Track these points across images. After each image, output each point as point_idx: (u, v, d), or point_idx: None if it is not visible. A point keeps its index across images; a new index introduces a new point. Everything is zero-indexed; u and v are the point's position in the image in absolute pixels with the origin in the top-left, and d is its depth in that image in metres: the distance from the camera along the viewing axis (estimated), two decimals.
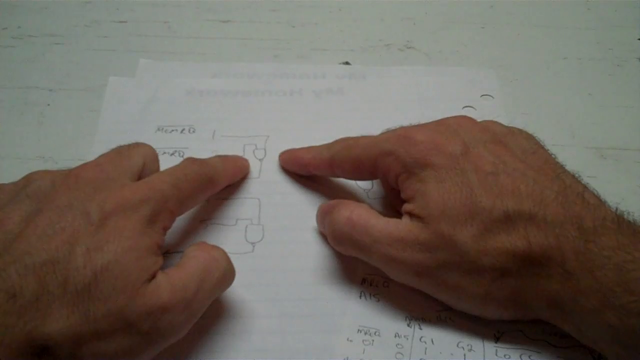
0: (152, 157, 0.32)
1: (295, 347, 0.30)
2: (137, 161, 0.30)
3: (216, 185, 0.33)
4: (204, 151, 0.39)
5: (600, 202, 0.28)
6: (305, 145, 0.38)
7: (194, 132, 0.40)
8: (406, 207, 0.30)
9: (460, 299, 0.30)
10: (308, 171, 0.36)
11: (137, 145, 0.32)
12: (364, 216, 0.30)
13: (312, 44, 0.49)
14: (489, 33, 0.51)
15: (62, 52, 0.47)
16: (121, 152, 0.31)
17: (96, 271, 0.24)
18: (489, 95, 0.44)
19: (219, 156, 0.36)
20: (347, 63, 0.47)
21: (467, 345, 0.30)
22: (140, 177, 0.30)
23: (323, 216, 0.33)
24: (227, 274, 0.29)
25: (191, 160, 0.32)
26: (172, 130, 0.40)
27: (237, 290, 0.32)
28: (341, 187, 0.37)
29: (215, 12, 0.51)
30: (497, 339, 0.30)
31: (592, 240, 0.26)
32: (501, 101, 0.44)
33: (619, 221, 0.27)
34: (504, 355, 0.30)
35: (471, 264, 0.28)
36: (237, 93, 0.43)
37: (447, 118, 0.33)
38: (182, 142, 0.40)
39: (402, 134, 0.31)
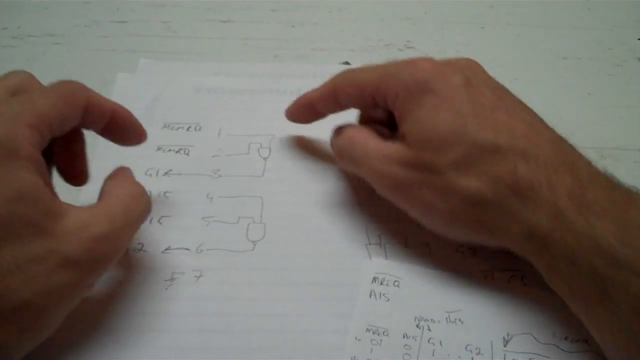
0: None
1: (296, 347, 0.30)
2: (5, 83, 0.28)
3: (90, 104, 0.30)
4: (209, 149, 0.39)
5: (590, 160, 0.29)
6: (309, 145, 0.38)
7: (200, 130, 0.40)
8: (399, 128, 0.31)
9: (427, 214, 0.31)
10: (315, 111, 0.36)
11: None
12: (364, 135, 0.33)
13: (312, 44, 0.49)
14: (489, 33, 0.51)
15: (62, 52, 0.47)
16: None
17: (2, 215, 0.23)
18: None
19: None
20: (347, 63, 0.47)
21: (476, 348, 0.30)
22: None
23: (335, 136, 0.35)
24: (145, 207, 0.30)
25: (61, 81, 0.30)
26: (179, 128, 0.40)
27: (238, 289, 0.32)
28: (346, 187, 0.37)
29: (215, 12, 0.51)
30: (506, 342, 0.30)
31: (586, 187, 0.27)
32: None
33: (613, 178, 0.28)
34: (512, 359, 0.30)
35: (446, 182, 0.29)
36: (244, 92, 0.43)
37: (457, 58, 0.33)
38: (188, 139, 0.40)
39: (408, 60, 0.32)
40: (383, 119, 0.35)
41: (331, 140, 0.35)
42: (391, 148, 0.31)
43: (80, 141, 0.32)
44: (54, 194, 0.27)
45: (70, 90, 0.29)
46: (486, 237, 0.30)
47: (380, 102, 0.33)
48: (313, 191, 0.37)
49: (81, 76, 0.44)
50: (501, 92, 0.32)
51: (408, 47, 0.49)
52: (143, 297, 0.31)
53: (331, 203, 0.36)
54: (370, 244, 0.34)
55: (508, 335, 0.30)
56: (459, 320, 0.31)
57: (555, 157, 0.28)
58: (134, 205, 0.29)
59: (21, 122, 0.25)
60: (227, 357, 0.30)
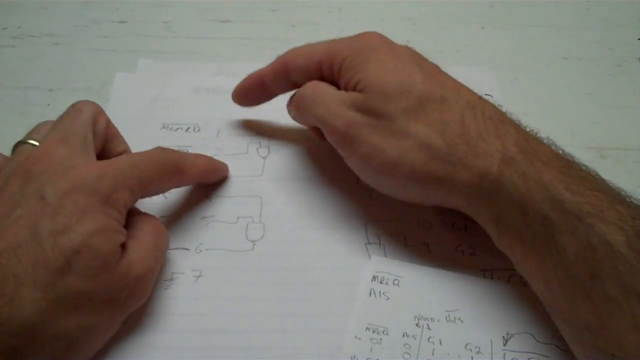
0: (96, 112, 0.31)
1: (296, 346, 0.30)
2: (85, 129, 0.30)
3: (183, 174, 0.33)
4: (208, 149, 0.39)
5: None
6: (310, 146, 0.38)
7: (199, 130, 0.41)
8: (349, 82, 0.32)
9: (372, 159, 0.31)
10: (265, 89, 0.37)
11: (78, 109, 0.31)
12: (326, 86, 0.34)
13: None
14: (489, 33, 0.51)
15: (62, 52, 0.47)
16: (64, 127, 0.30)
17: (67, 255, 0.25)
18: (489, 95, 0.44)
19: (196, 154, 0.36)
20: None
21: (475, 347, 0.30)
22: (95, 134, 0.31)
23: (298, 90, 0.35)
24: (167, 243, 0.32)
25: (160, 148, 0.32)
26: (177, 129, 0.40)
27: (237, 288, 0.32)
28: (346, 186, 0.37)
29: (215, 12, 0.51)
30: (505, 341, 0.30)
31: (531, 140, 0.29)
32: (501, 101, 0.43)
33: (552, 142, 0.30)
34: (512, 359, 0.29)
35: (397, 128, 0.30)
36: None
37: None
38: (187, 140, 0.40)
39: (355, 35, 0.34)
40: None
41: (291, 98, 0.36)
42: (347, 95, 0.32)
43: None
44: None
45: (172, 161, 0.32)
46: (433, 187, 0.30)
47: (326, 72, 0.34)
48: (312, 191, 0.37)
49: (81, 76, 0.45)
50: (438, 68, 0.33)
51: None
52: None
53: (330, 202, 0.36)
54: (369, 243, 0.34)
55: (507, 334, 0.30)
56: (459, 319, 0.31)
57: (499, 114, 0.30)
58: (160, 242, 0.31)
59: (125, 182, 0.28)
60: (227, 357, 0.30)
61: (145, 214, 0.32)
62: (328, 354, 0.30)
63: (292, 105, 0.36)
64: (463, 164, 0.29)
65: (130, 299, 0.28)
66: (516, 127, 0.30)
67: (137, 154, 0.31)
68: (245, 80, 0.38)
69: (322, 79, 0.34)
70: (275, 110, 0.42)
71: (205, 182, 0.36)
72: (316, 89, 0.34)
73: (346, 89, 0.33)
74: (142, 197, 0.30)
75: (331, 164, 0.38)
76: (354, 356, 0.29)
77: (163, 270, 0.33)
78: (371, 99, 0.30)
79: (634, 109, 0.44)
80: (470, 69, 0.46)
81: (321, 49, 0.34)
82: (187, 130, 0.40)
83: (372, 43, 0.33)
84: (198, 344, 0.30)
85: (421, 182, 0.30)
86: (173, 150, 0.32)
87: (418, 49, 0.49)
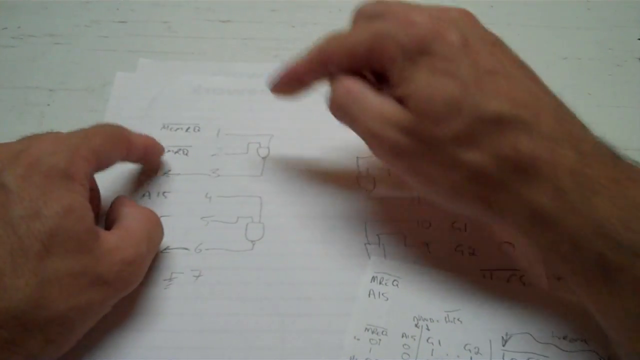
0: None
1: (296, 346, 0.30)
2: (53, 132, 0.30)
3: (130, 146, 0.33)
4: (208, 149, 0.39)
5: (590, 128, 0.28)
6: (310, 146, 0.38)
7: (199, 130, 0.40)
8: (396, 91, 0.29)
9: (429, 187, 0.30)
10: (301, 81, 0.33)
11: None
12: (361, 88, 0.30)
13: (312, 44, 0.49)
14: None
15: (62, 52, 0.47)
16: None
17: (42, 239, 0.25)
18: None
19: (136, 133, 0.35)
20: None
21: (474, 347, 0.30)
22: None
23: (330, 86, 0.32)
24: (162, 234, 0.32)
25: (105, 123, 0.32)
26: (177, 129, 0.40)
27: (236, 288, 0.32)
28: (345, 186, 0.37)
29: (215, 12, 0.51)
30: (504, 342, 0.30)
31: (589, 164, 0.26)
32: None
33: (615, 150, 0.27)
34: (511, 359, 0.29)
35: (447, 157, 0.28)
36: (242, 92, 0.43)
37: (448, 8, 0.31)
38: (187, 140, 0.40)
39: (401, 17, 0.29)
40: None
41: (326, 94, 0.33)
42: (390, 109, 0.29)
43: (96, 190, 0.34)
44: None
45: (118, 132, 0.32)
46: (489, 213, 0.29)
47: (374, 65, 0.31)
48: (312, 191, 0.37)
49: (81, 76, 0.45)
50: (498, 49, 0.30)
51: None
52: (142, 297, 0.31)
53: (330, 202, 0.36)
54: (369, 243, 0.34)
55: (507, 334, 0.30)
56: (458, 319, 0.31)
57: (558, 129, 0.27)
58: (153, 231, 0.31)
59: (78, 153, 0.28)
60: (227, 357, 0.30)
61: (140, 206, 0.32)
62: (328, 354, 0.30)
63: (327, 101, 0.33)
64: (516, 196, 0.27)
65: (120, 282, 0.28)
66: (575, 144, 0.27)
67: (84, 128, 0.31)
68: (281, 76, 0.34)
69: (366, 69, 0.32)
70: (276, 111, 0.42)
71: (148, 160, 0.37)
72: (351, 93, 0.30)
73: (391, 91, 0.30)
74: (96, 170, 0.31)
75: (331, 164, 0.38)
76: (353, 356, 0.29)
77: (162, 269, 0.33)
78: (418, 122, 0.28)
79: (633, 109, 0.44)
80: None
81: (364, 43, 0.30)
82: (187, 130, 0.40)
83: (420, 36, 0.28)
84: (198, 344, 0.30)
85: (476, 208, 0.29)
86: (118, 125, 0.33)
87: None
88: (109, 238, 0.28)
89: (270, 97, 0.43)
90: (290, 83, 0.34)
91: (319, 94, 0.44)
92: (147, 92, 0.43)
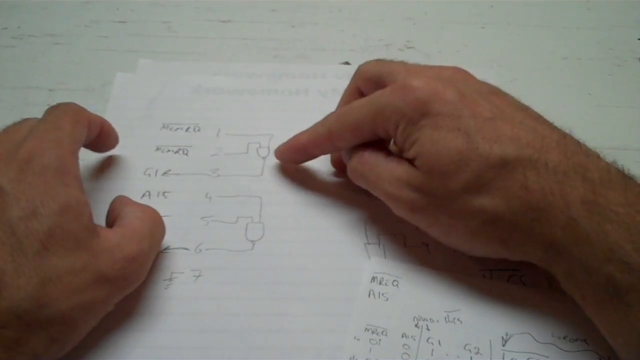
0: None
1: (295, 346, 0.30)
2: (25, 124, 0.30)
3: (90, 121, 0.32)
4: (208, 149, 0.39)
5: (598, 154, 0.29)
6: None
7: (199, 130, 0.40)
8: (406, 154, 0.31)
9: (449, 236, 0.31)
10: (308, 154, 0.36)
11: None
12: (374, 155, 0.33)
13: (312, 44, 0.49)
14: (489, 33, 0.51)
15: (62, 52, 0.47)
16: (5, 127, 0.31)
17: (41, 239, 0.25)
18: None
19: None
20: (347, 63, 0.47)
21: (475, 347, 0.30)
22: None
23: (348, 156, 0.34)
24: (164, 232, 0.32)
25: (52, 106, 0.32)
26: (177, 129, 0.40)
27: (236, 288, 0.32)
28: (345, 186, 0.37)
29: (215, 12, 0.51)
30: (504, 342, 0.30)
31: (599, 192, 0.26)
32: None
33: (623, 175, 0.28)
34: (511, 359, 0.29)
35: (461, 206, 0.29)
36: (243, 92, 0.44)
37: (441, 67, 0.33)
38: (187, 140, 0.40)
39: (398, 84, 0.31)
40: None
41: (345, 156, 0.35)
42: (401, 170, 0.31)
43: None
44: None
45: (79, 111, 0.32)
46: (507, 253, 0.30)
47: (382, 134, 0.32)
48: (312, 191, 0.37)
49: (81, 76, 0.45)
50: (495, 97, 0.31)
51: (408, 47, 0.49)
52: (142, 297, 0.31)
53: (330, 202, 0.36)
54: (369, 243, 0.34)
55: (507, 334, 0.30)
56: (458, 319, 0.31)
57: (564, 161, 0.27)
58: (155, 229, 0.31)
59: (64, 147, 0.28)
60: (227, 357, 0.30)
61: (141, 204, 0.32)
62: (328, 354, 0.30)
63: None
64: (530, 233, 0.28)
65: (122, 280, 0.28)
66: (584, 174, 0.27)
67: (47, 117, 0.30)
68: (287, 146, 0.36)
69: (376, 137, 0.33)
70: (276, 110, 0.42)
71: (104, 140, 0.35)
72: (365, 161, 0.33)
73: (401, 152, 0.31)
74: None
75: (331, 164, 0.38)
76: (353, 356, 0.29)
77: (162, 269, 0.33)
78: (428, 179, 0.29)
79: (633, 109, 0.44)
80: (470, 69, 0.46)
81: (367, 118, 0.32)
82: (187, 130, 0.40)
83: (418, 100, 0.30)
84: (198, 344, 0.30)
85: (494, 249, 0.30)
86: (73, 103, 0.32)
87: (418, 49, 0.49)
88: (110, 235, 0.28)
89: (270, 97, 0.43)
90: (297, 155, 0.37)
91: (318, 94, 0.44)
92: (147, 92, 0.43)
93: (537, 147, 0.28)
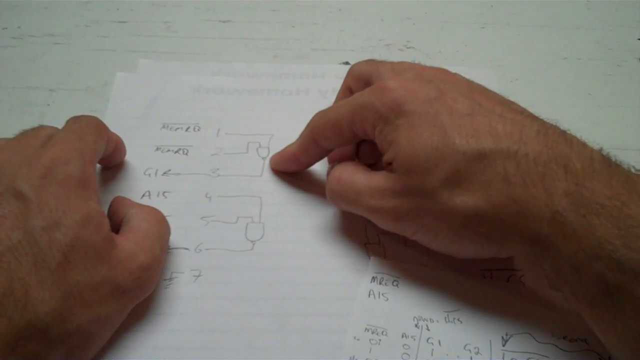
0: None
1: (295, 346, 0.30)
2: (43, 131, 0.30)
3: (109, 135, 0.33)
4: (208, 149, 0.39)
5: (584, 142, 0.28)
6: None
7: (198, 130, 0.41)
8: (386, 156, 0.31)
9: (436, 239, 0.30)
10: (299, 162, 0.36)
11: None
12: (350, 173, 0.32)
13: (312, 44, 0.49)
14: (489, 33, 0.51)
15: (62, 52, 0.47)
16: (23, 132, 0.31)
17: (64, 250, 0.25)
18: None
19: None
20: (347, 63, 0.47)
21: (474, 347, 0.30)
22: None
23: (327, 179, 0.34)
24: (170, 231, 0.32)
25: (74, 117, 0.32)
26: (177, 129, 0.41)
27: (236, 288, 0.32)
28: None
29: (215, 12, 0.51)
30: (504, 342, 0.30)
31: (582, 184, 0.25)
32: None
33: (609, 163, 0.26)
34: (511, 359, 0.29)
35: (443, 205, 0.28)
36: (243, 91, 0.44)
37: (425, 67, 0.33)
38: (187, 139, 0.40)
39: (376, 85, 0.31)
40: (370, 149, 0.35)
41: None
42: (379, 179, 0.30)
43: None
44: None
45: (100, 123, 0.32)
46: (495, 249, 0.29)
47: (361, 135, 0.32)
48: (312, 191, 0.37)
49: (81, 76, 0.45)
50: (476, 94, 0.30)
51: (408, 47, 0.49)
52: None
53: (330, 202, 0.36)
54: (369, 243, 0.34)
55: (507, 334, 0.30)
56: (458, 319, 0.31)
57: (545, 152, 0.27)
58: (163, 231, 0.31)
59: (87, 159, 0.28)
60: (227, 357, 0.30)
61: (144, 205, 0.32)
62: (328, 354, 0.30)
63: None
64: (515, 227, 0.27)
65: (137, 290, 0.28)
66: (566, 165, 0.26)
67: (69, 127, 0.30)
68: (279, 156, 0.37)
69: (358, 139, 0.33)
70: (276, 111, 0.42)
71: (116, 156, 0.36)
72: (342, 181, 0.32)
73: (382, 154, 0.31)
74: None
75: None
76: (353, 356, 0.29)
77: (162, 269, 0.33)
78: (407, 180, 0.29)
79: (633, 109, 0.44)
80: (470, 69, 0.46)
81: (345, 116, 0.32)
82: (187, 130, 0.40)
83: (394, 100, 0.30)
84: (198, 344, 0.30)
85: (482, 248, 0.29)
86: (95, 116, 0.32)
87: (418, 49, 0.49)
88: (125, 245, 0.28)
89: (270, 97, 0.43)
90: (289, 164, 0.37)
91: (318, 94, 0.44)
92: (147, 92, 0.43)
93: (515, 138, 0.27)
